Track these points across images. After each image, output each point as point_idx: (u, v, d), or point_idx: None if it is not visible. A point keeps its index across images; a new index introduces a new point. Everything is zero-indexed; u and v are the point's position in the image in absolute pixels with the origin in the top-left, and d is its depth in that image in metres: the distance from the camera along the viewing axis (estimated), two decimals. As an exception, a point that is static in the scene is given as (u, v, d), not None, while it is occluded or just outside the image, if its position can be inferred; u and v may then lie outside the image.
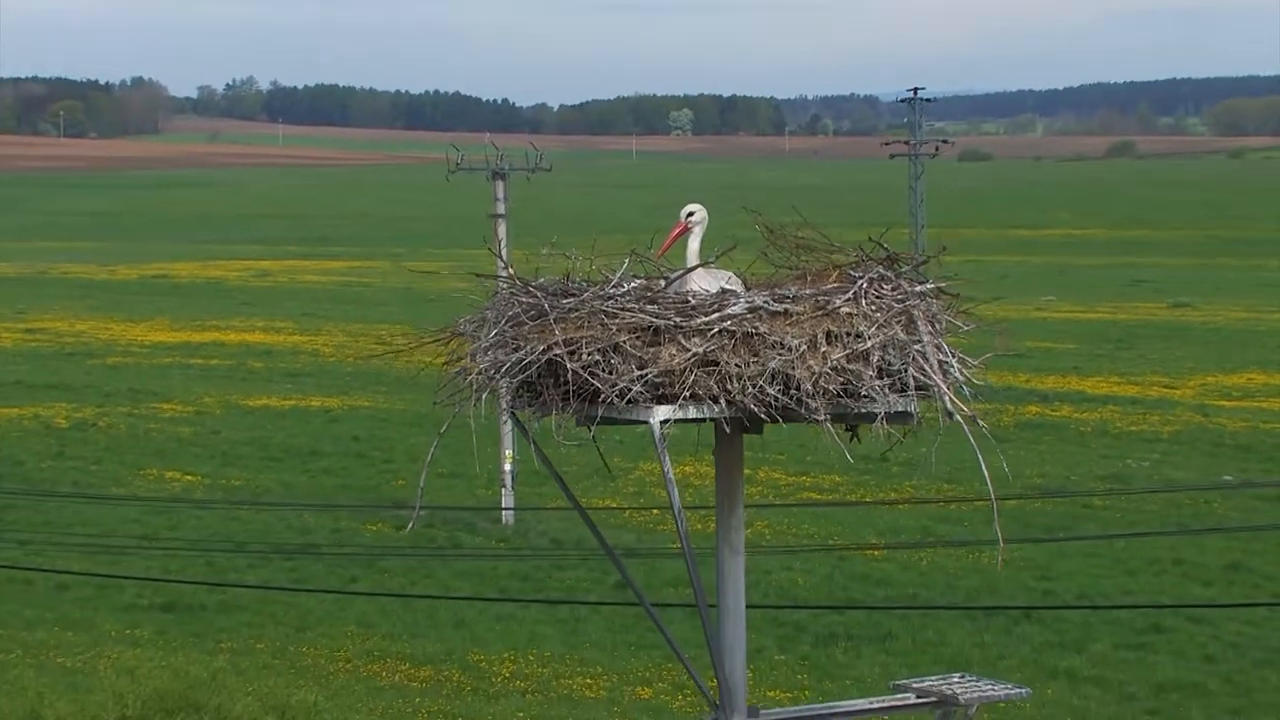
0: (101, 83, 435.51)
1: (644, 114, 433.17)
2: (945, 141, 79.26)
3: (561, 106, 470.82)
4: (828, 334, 8.85)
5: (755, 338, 8.80)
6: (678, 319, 8.77)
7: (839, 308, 8.89)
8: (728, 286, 9.11)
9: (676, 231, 9.63)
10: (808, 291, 8.94)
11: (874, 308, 8.93)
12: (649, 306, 8.85)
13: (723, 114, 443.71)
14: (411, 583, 41.18)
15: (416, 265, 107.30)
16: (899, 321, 8.96)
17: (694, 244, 9.55)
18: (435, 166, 58.30)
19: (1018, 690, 9.75)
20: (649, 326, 8.82)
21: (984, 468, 9.14)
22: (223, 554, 43.51)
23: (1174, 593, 40.01)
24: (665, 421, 8.74)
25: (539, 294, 9.06)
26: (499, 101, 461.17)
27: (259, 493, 50.77)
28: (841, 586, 40.46)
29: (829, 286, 9.01)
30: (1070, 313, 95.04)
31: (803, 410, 8.81)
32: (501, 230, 46.44)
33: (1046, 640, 36.13)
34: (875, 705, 9.78)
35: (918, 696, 9.43)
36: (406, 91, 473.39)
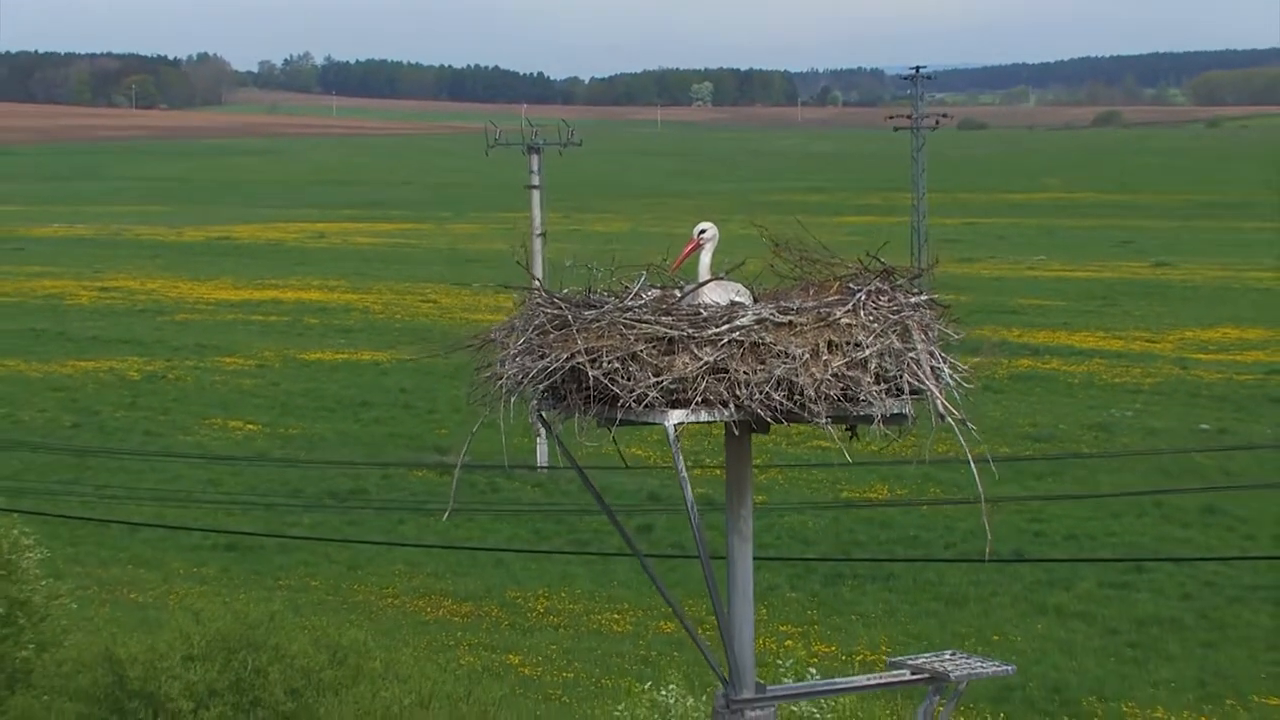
0: (170, 58, 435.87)
1: (667, 86, 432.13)
2: (944, 115, 78.81)
3: (592, 79, 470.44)
4: (829, 343, 8.85)
5: (762, 347, 8.82)
6: (690, 330, 8.80)
7: (839, 319, 8.89)
8: (737, 299, 9.10)
9: (690, 248, 9.59)
10: (810, 304, 8.94)
11: (871, 319, 8.93)
12: (664, 318, 8.88)
13: (740, 86, 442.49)
14: (454, 525, 41.20)
15: (459, 273, 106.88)
16: (895, 331, 8.96)
17: (705, 259, 9.52)
18: (476, 136, 58.00)
19: (1004, 668, 9.70)
20: (664, 337, 8.85)
21: (974, 469, 9.06)
22: (281, 498, 43.57)
23: (1154, 533, 39.95)
24: (679, 424, 8.77)
25: (563, 305, 9.10)
26: (535, 75, 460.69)
27: (314, 440, 50.84)
28: (848, 528, 40.43)
29: (830, 299, 9.01)
30: (1059, 272, 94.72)
31: (805, 414, 8.83)
32: (536, 200, 46.37)
33: (1036, 579, 36.07)
34: (874, 681, 9.76)
35: (912, 673, 9.40)
36: (450, 66, 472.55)
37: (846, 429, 9.24)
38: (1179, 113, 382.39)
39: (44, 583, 25.27)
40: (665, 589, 9.76)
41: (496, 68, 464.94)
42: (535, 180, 46.35)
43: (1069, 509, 41.58)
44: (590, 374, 8.83)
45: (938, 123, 74.99)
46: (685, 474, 8.83)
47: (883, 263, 9.16)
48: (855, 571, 36.57)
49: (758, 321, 8.77)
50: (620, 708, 17.20)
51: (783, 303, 8.97)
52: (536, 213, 46.07)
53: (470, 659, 31.80)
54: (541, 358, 9.05)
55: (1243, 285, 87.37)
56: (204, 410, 55.44)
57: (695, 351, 8.76)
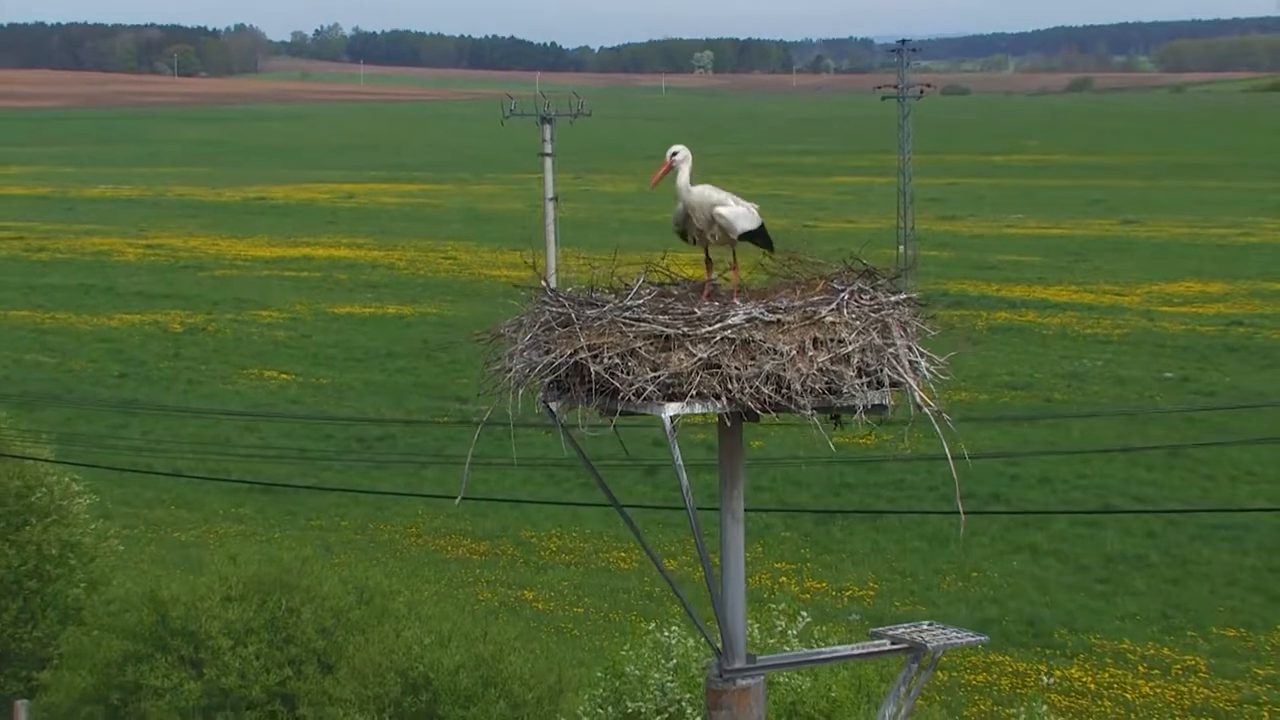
0: (209, 29, 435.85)
1: (671, 55, 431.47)
2: (928, 86, 78.09)
3: (601, 49, 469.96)
4: (814, 340, 8.83)
5: (752, 344, 8.79)
6: (686, 328, 8.80)
7: (824, 317, 8.86)
8: (747, 212, 9.18)
9: (663, 169, 9.56)
10: (797, 303, 8.91)
11: (854, 317, 8.90)
12: (661, 317, 8.86)
13: (739, 55, 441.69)
14: (473, 469, 41.04)
15: (478, 190, 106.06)
16: (875, 328, 8.93)
17: (682, 177, 9.53)
18: (494, 102, 57.71)
19: (977, 638, 9.71)
20: (661, 334, 8.83)
21: (949, 455, 9.03)
22: (313, 443, 43.58)
23: (1122, 476, 39.84)
24: (675, 416, 8.76)
25: (567, 304, 9.07)
26: (548, 44, 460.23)
27: (344, 389, 50.78)
28: (838, 471, 40.32)
29: (816, 298, 8.98)
30: (1036, 229, 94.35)
31: (793, 405, 8.83)
32: (549, 166, 46.21)
33: (1013, 519, 36.01)
34: (857, 651, 9.75)
35: (892, 643, 9.40)
36: (469, 36, 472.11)
37: (831, 418, 9.22)
38: (1147, 79, 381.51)
39: (93, 526, 25.34)
40: (660, 562, 9.72)
41: (513, 38, 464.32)
42: (548, 148, 46.19)
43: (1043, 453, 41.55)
44: (592, 369, 8.82)
45: (922, 92, 74.36)
46: (681, 462, 8.81)
47: (865, 264, 9.13)
48: (845, 512, 36.54)
49: (748, 320, 8.75)
50: (626, 647, 17.19)
51: (771, 302, 8.93)
52: (549, 178, 45.94)
53: (488, 595, 31.88)
54: (547, 353, 9.04)
55: (1205, 241, 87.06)
56: (242, 361, 55.37)
57: (690, 348, 8.74)
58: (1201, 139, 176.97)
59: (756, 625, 16.58)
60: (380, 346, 57.69)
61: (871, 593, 31.77)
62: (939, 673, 27.47)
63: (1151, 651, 28.66)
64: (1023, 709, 16.29)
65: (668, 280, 9.44)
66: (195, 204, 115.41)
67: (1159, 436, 43.08)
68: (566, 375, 9.05)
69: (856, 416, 8.92)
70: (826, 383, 8.85)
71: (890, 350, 8.88)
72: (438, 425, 45.11)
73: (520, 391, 9.27)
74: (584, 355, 8.83)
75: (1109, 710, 26.39)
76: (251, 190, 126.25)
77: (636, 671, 16.49)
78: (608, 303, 9.00)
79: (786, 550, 34.23)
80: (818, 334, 8.81)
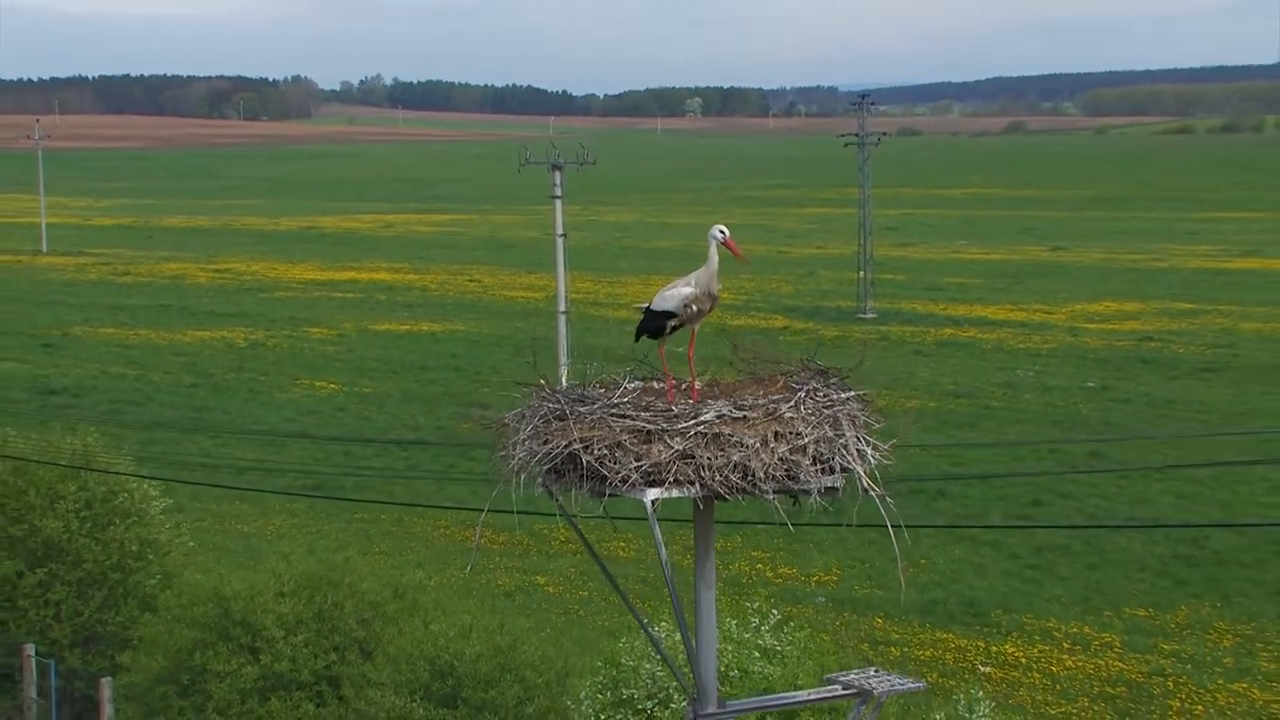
0: (270, 79, 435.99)
1: (666, 101, 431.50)
2: (884, 134, 78.14)
3: (605, 95, 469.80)
4: (775, 433, 8.82)
5: (721, 437, 8.78)
6: (665, 424, 8.78)
7: (784, 413, 8.84)
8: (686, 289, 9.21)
9: (734, 243, 9.50)
10: (761, 401, 8.90)
11: (810, 412, 8.88)
12: (644, 413, 8.85)
13: (724, 101, 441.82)
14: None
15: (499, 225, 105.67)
16: (828, 422, 8.92)
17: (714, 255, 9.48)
18: (515, 143, 57.76)
19: (917, 684, 9.68)
20: (644, 429, 8.81)
21: (892, 535, 9.00)
22: (356, 445, 43.44)
23: (1050, 473, 39.66)
24: (655, 499, 8.74)
25: (562, 400, 9.05)
26: (560, 92, 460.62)
27: (383, 397, 50.65)
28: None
29: (776, 396, 8.97)
30: (976, 255, 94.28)
31: (756, 490, 8.83)
32: (559, 207, 46.11)
33: (956, 512, 35.91)
34: (814, 696, 9.72)
35: (844, 688, 9.36)
36: (493, 85, 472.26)
37: (790, 499, 9.20)
38: (1072, 122, 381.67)
39: (168, 525, 25.28)
40: (641, 616, 9.67)
41: (530, 86, 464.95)
42: (558, 192, 46.10)
43: (982, 454, 41.43)
44: (584, 459, 8.80)
45: (879, 140, 74.45)
46: (660, 538, 8.79)
47: (819, 365, 9.10)
48: (811, 506, 36.37)
49: (718, 416, 8.75)
50: (622, 641, 17.13)
51: (738, 400, 8.92)
52: (559, 218, 45.86)
53: (505, 580, 31.76)
54: (545, 442, 9.02)
55: (1122, 265, 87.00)
56: (296, 372, 55.26)
57: (668, 441, 8.72)
58: (1119, 175, 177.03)
59: (735, 622, 16.53)
60: (415, 360, 57.61)
61: (835, 578, 31.67)
62: (891, 649, 27.38)
63: (1074, 630, 28.55)
64: (963, 695, 16.22)
65: (650, 376, 9.40)
66: (257, 233, 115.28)
67: (1082, 439, 43.01)
68: (562, 463, 9.03)
69: (812, 499, 8.90)
70: (786, 470, 8.84)
71: (841, 441, 8.85)
72: (464, 429, 44.94)
73: (522, 475, 9.25)
74: (577, 446, 8.80)
75: (1038, 681, 26.29)
76: (305, 220, 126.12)
77: (630, 662, 16.43)
78: (598, 400, 8.97)
79: (762, 540, 34.08)
80: (778, 428, 8.79)
